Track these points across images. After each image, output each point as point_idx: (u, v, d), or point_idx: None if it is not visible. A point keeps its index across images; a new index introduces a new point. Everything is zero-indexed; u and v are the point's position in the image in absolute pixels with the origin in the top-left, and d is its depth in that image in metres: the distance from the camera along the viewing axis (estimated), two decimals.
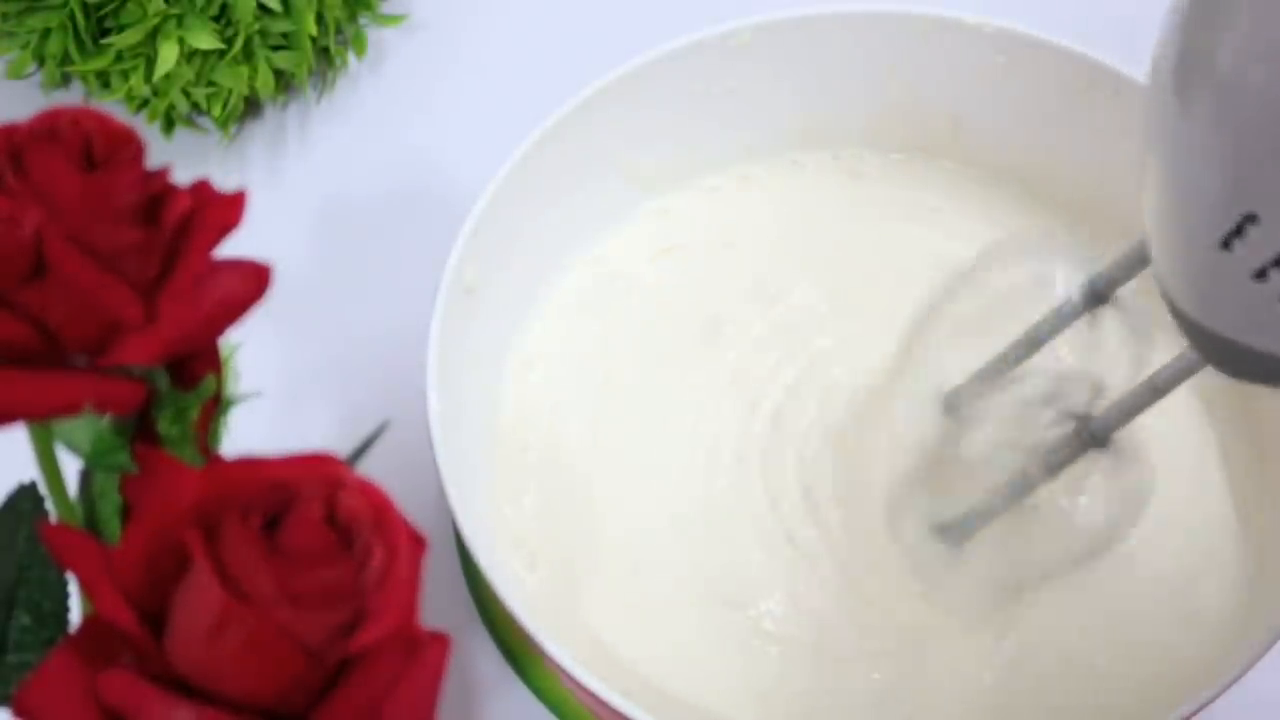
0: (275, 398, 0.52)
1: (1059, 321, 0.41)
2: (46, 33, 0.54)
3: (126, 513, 0.29)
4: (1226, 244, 0.30)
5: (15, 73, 0.56)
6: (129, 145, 0.28)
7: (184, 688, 0.25)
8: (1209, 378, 0.48)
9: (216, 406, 0.30)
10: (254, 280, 0.28)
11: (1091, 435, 0.39)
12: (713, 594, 0.46)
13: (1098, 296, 0.40)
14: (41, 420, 0.29)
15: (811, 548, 0.46)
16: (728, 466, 0.48)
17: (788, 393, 0.49)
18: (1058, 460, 0.40)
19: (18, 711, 0.25)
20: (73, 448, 0.29)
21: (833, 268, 0.51)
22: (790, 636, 0.45)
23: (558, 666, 0.40)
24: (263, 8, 0.55)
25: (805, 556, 0.46)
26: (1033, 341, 0.42)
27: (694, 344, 0.50)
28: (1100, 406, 0.40)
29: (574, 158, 0.49)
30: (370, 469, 0.27)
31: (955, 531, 0.43)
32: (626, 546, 0.46)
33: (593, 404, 0.49)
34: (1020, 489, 0.41)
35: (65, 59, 0.55)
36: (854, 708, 0.44)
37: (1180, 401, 0.49)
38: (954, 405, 0.44)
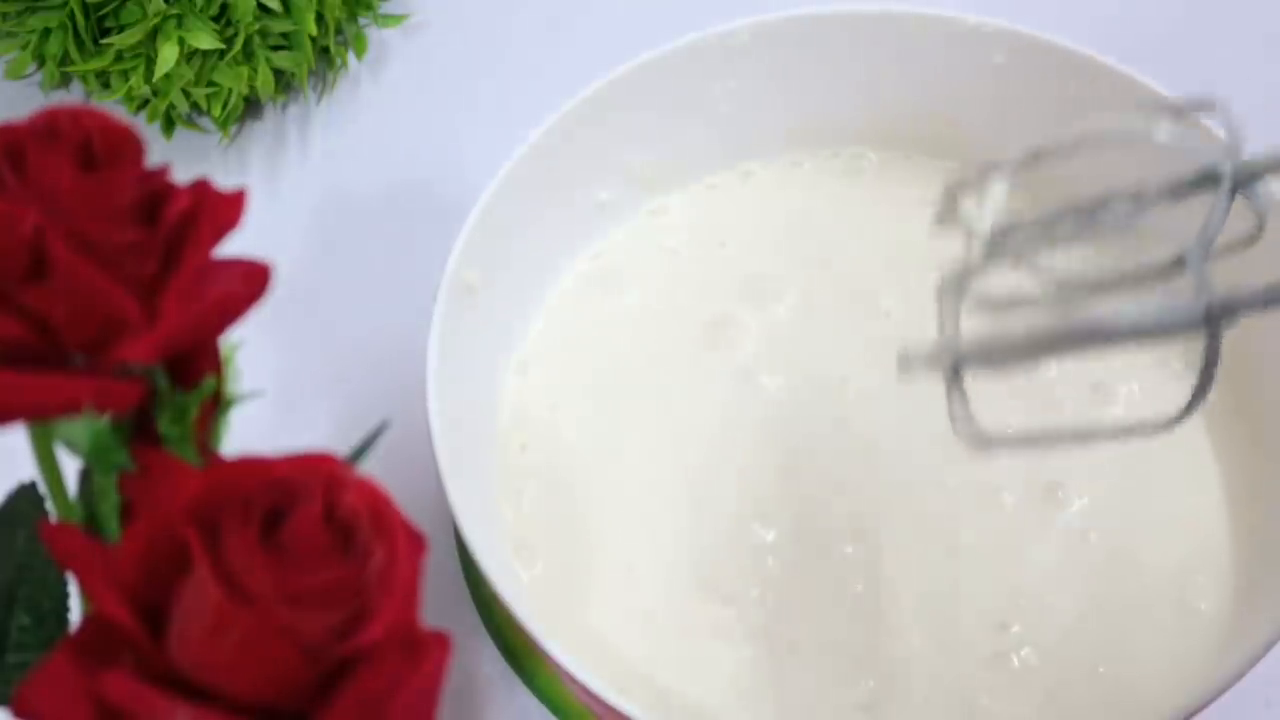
0: (275, 397, 0.52)
1: (1181, 187, 0.38)
2: (46, 33, 0.54)
3: (126, 512, 0.29)
4: None
5: (15, 73, 0.56)
6: (129, 144, 0.28)
7: (184, 687, 0.25)
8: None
9: (216, 406, 0.30)
10: (254, 279, 0.28)
11: (1223, 310, 0.37)
12: (712, 593, 0.46)
13: (1238, 182, 0.38)
14: (41, 420, 0.29)
15: (811, 548, 0.46)
16: (727, 466, 0.48)
17: (789, 392, 0.49)
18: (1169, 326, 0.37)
19: (17, 711, 0.25)
20: (72, 447, 0.29)
21: (833, 266, 0.51)
22: (789, 637, 0.45)
23: (557, 665, 0.40)
24: (263, 8, 0.55)
25: (806, 557, 0.46)
26: (1140, 201, 0.39)
27: (694, 343, 0.50)
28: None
29: (574, 157, 0.49)
30: (370, 469, 0.27)
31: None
32: (625, 545, 0.46)
33: (592, 403, 0.49)
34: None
35: (65, 59, 0.55)
36: (851, 709, 0.44)
37: (1174, 400, 0.49)
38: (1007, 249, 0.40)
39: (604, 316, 0.51)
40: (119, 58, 0.54)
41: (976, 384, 0.49)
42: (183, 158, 0.58)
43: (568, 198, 0.50)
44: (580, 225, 0.51)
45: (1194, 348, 0.49)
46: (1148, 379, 0.49)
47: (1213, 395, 0.48)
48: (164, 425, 0.28)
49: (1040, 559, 0.46)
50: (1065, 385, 0.49)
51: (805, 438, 0.48)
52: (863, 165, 0.53)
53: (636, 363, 0.50)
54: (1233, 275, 0.49)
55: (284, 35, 0.56)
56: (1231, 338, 0.48)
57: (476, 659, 0.48)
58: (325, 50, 0.59)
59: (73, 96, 0.59)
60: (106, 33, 0.54)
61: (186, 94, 0.55)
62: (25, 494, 0.33)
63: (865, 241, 0.52)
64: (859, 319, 0.50)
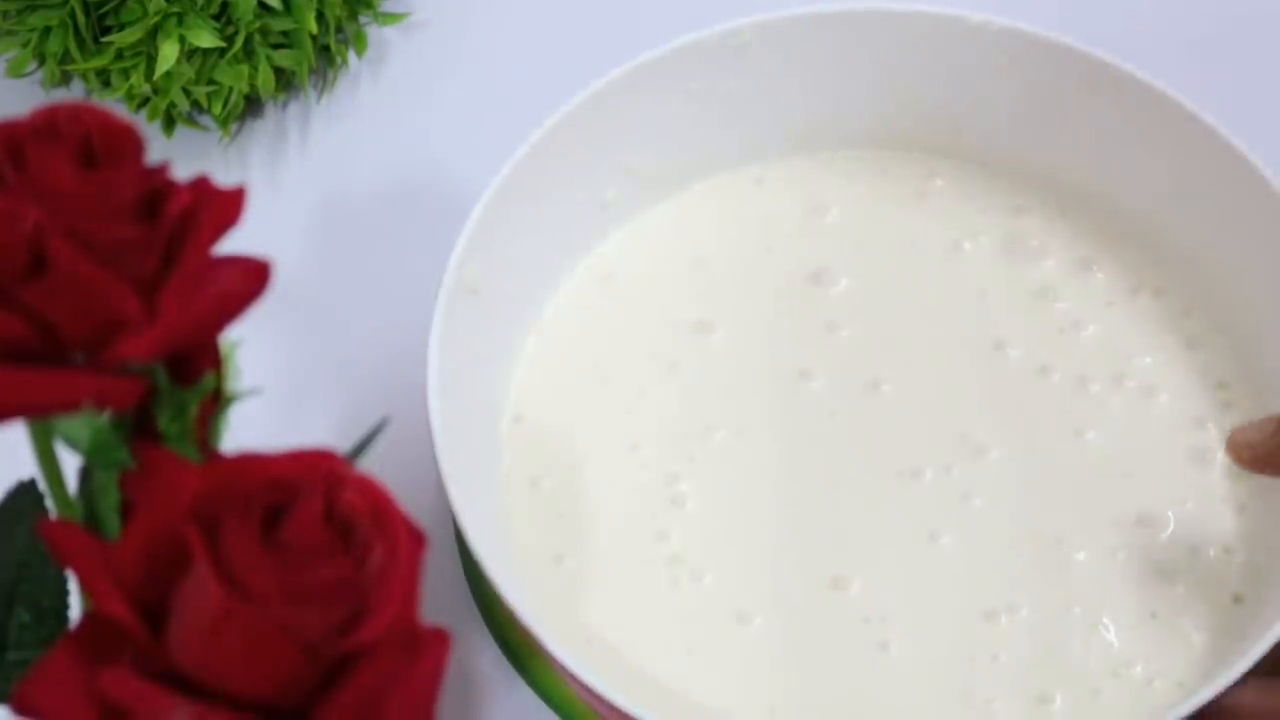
0: (276, 395, 0.52)
1: None
2: (47, 31, 0.54)
3: (126, 510, 0.29)
4: None
5: (16, 71, 0.56)
6: (129, 141, 0.28)
7: (184, 684, 0.25)
8: (1219, 369, 0.49)
9: (216, 403, 0.30)
10: (254, 277, 0.28)
11: None
12: (714, 593, 0.46)
13: None
14: (41, 417, 0.29)
15: (816, 545, 0.46)
16: (732, 465, 0.48)
17: (795, 391, 0.49)
18: None
19: (17, 708, 0.25)
20: (72, 445, 0.29)
21: (837, 266, 0.51)
22: (794, 635, 0.45)
23: (559, 664, 0.40)
24: (263, 6, 0.55)
25: (811, 555, 0.46)
26: None
27: (696, 343, 0.50)
28: None
29: (575, 157, 0.49)
30: (371, 467, 0.27)
31: None
32: (628, 543, 0.46)
33: (595, 403, 0.49)
34: None
35: (66, 57, 0.55)
36: (857, 707, 0.44)
37: (1178, 395, 0.49)
38: None
39: (606, 316, 0.51)
40: (119, 56, 0.54)
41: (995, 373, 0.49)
42: (183, 156, 0.58)
43: (570, 197, 0.50)
44: (583, 225, 0.51)
45: (1204, 342, 0.49)
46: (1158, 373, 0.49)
47: (1217, 385, 0.49)
48: (164, 423, 0.28)
49: (1046, 556, 0.46)
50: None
51: (811, 435, 0.48)
52: (866, 166, 0.53)
53: (639, 362, 0.50)
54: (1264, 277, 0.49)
55: (284, 33, 0.56)
56: (1250, 356, 0.48)
57: (476, 656, 0.48)
58: (326, 48, 0.59)
59: (73, 95, 0.59)
60: (107, 31, 0.54)
61: (187, 92, 0.55)
62: (25, 491, 0.33)
63: (871, 241, 0.52)
64: (864, 319, 0.50)
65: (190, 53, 0.54)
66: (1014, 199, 0.52)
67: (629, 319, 0.50)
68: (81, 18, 0.54)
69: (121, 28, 0.54)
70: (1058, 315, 0.50)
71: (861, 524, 0.47)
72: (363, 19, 0.60)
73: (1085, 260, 0.51)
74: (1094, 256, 0.51)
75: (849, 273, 0.51)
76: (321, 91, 0.60)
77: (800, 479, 0.47)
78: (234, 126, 0.59)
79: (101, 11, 0.54)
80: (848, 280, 0.51)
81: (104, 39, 0.54)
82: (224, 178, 0.59)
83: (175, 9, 0.53)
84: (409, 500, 0.48)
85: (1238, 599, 0.45)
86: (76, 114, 0.28)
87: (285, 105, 0.60)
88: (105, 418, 0.28)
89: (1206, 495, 0.47)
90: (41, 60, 0.56)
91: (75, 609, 0.36)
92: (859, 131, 0.53)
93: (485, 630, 0.48)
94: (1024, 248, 0.51)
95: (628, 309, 0.51)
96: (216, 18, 0.54)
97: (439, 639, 0.26)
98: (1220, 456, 0.47)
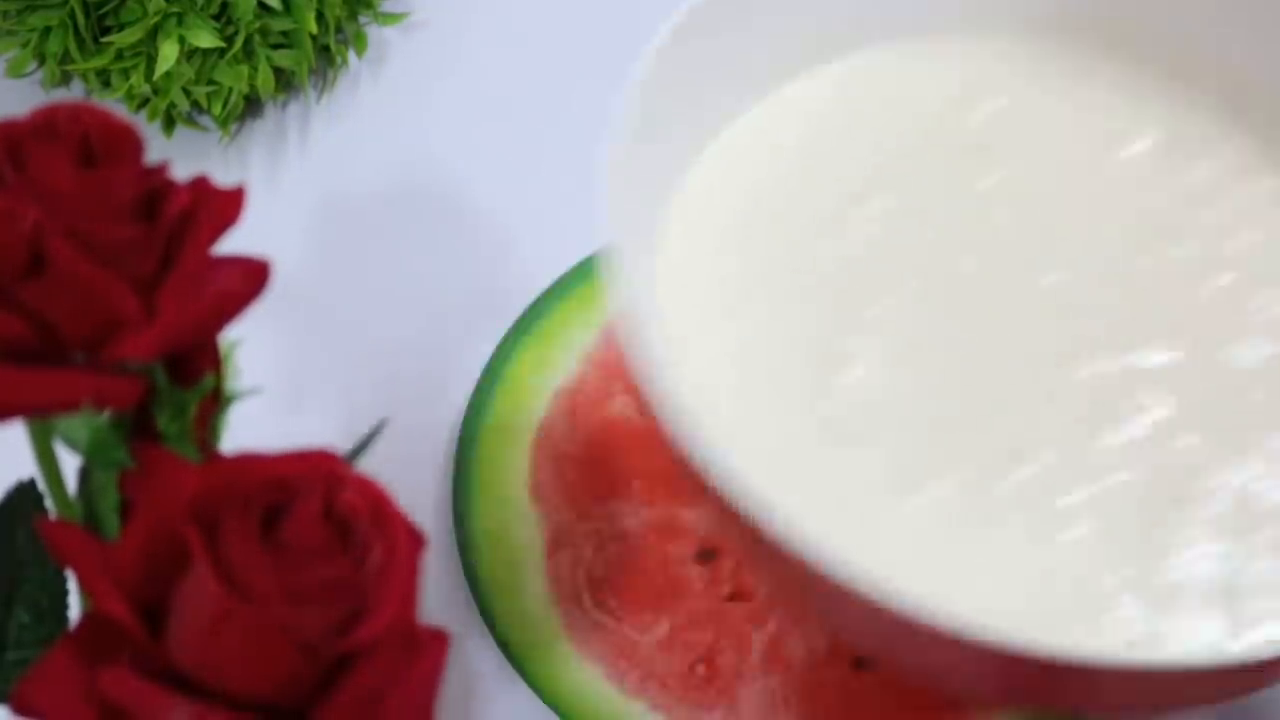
0: (276, 395, 0.52)
1: None
2: (47, 31, 0.54)
3: (125, 509, 0.29)
4: None
5: (15, 71, 0.56)
6: (128, 141, 0.28)
7: (183, 684, 0.25)
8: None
9: (215, 403, 0.30)
10: (253, 277, 0.28)
11: None
12: (875, 463, 0.45)
13: None
14: (40, 416, 0.29)
15: (976, 428, 0.45)
16: (893, 338, 0.47)
17: (947, 271, 0.48)
18: None
19: (16, 708, 0.25)
20: (71, 444, 0.29)
21: (996, 150, 0.50)
22: (959, 511, 0.44)
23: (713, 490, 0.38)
24: (263, 6, 0.55)
25: (972, 435, 0.45)
26: None
27: (852, 214, 0.49)
28: None
29: (728, 29, 0.48)
30: (372, 467, 0.27)
31: None
32: (782, 404, 0.45)
33: (748, 263, 0.48)
34: None
35: (65, 57, 0.55)
36: (1030, 588, 0.43)
37: None
38: None
39: (760, 182, 0.50)
40: (119, 56, 0.54)
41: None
42: (183, 156, 0.58)
43: (723, 68, 0.49)
44: (736, 92, 0.50)
45: None
46: None
47: None
48: (163, 422, 0.28)
49: (1221, 453, 0.45)
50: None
51: (970, 317, 0.47)
52: (1031, 51, 0.52)
53: (795, 228, 0.49)
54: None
55: (284, 34, 0.56)
56: None
57: (476, 656, 0.48)
58: (326, 48, 0.59)
59: (73, 94, 0.59)
60: (107, 31, 0.54)
61: (187, 92, 0.55)
62: (25, 491, 0.33)
63: (1030, 129, 0.51)
64: (1025, 206, 0.49)
65: (190, 53, 0.54)
66: (1183, 94, 0.51)
67: (785, 184, 0.50)
68: (81, 18, 0.54)
69: (121, 28, 0.54)
70: (1221, 216, 0.49)
71: (1024, 407, 0.45)
72: (363, 19, 0.60)
73: (1253, 162, 0.50)
74: (1264, 156, 0.50)
75: (1006, 160, 0.50)
76: (321, 91, 0.60)
77: (962, 356, 0.46)
78: (234, 126, 0.59)
79: (101, 11, 0.54)
80: (1004, 168, 0.50)
81: (104, 39, 0.54)
82: (224, 178, 0.59)
83: (175, 9, 0.53)
84: (409, 500, 0.48)
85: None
86: (76, 114, 0.28)
87: (285, 105, 0.60)
88: (104, 417, 0.28)
89: None
90: (41, 60, 0.56)
91: (75, 609, 0.36)
92: (1025, 17, 0.52)
93: (485, 630, 0.48)
94: (1189, 146, 0.50)
95: (785, 174, 0.50)
96: (216, 18, 0.54)
97: (438, 639, 0.26)
98: None
